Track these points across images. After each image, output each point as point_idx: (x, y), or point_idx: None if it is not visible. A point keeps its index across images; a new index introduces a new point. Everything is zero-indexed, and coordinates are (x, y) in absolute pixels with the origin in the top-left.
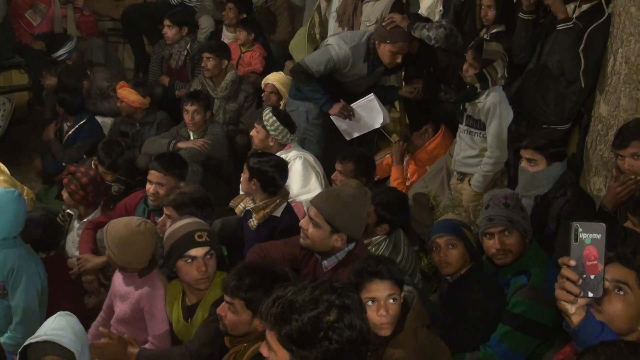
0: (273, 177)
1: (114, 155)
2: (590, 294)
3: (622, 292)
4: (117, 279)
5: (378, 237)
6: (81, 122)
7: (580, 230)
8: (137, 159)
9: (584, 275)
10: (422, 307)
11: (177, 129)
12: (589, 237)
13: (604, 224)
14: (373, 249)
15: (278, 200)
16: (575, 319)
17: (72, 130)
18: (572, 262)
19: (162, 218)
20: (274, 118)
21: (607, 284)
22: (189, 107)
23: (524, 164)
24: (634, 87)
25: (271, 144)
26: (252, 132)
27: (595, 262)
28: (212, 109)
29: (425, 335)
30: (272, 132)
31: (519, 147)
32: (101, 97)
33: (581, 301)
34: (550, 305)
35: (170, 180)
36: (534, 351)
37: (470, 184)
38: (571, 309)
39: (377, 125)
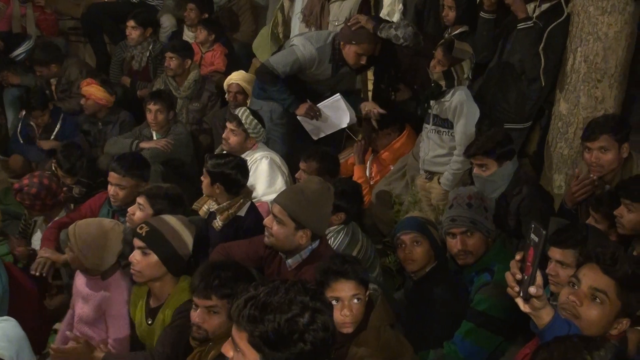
0: (236, 179)
1: (72, 159)
2: (521, 294)
3: (598, 301)
4: (79, 279)
5: (335, 227)
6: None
7: (532, 229)
8: (99, 160)
9: (523, 274)
10: (386, 305)
11: (140, 128)
12: (533, 238)
13: (544, 231)
14: (331, 239)
15: (242, 200)
16: (542, 320)
17: (57, 128)
18: (518, 257)
19: (133, 207)
20: (252, 118)
21: (585, 289)
22: (152, 107)
23: (476, 170)
24: (593, 86)
25: (249, 145)
26: (227, 134)
27: (529, 264)
28: (175, 108)
29: (388, 334)
30: (252, 134)
31: (466, 156)
32: (64, 94)
33: (537, 302)
34: (514, 302)
35: (130, 181)
36: (497, 347)
37: (439, 183)
38: (522, 305)
39: (344, 125)
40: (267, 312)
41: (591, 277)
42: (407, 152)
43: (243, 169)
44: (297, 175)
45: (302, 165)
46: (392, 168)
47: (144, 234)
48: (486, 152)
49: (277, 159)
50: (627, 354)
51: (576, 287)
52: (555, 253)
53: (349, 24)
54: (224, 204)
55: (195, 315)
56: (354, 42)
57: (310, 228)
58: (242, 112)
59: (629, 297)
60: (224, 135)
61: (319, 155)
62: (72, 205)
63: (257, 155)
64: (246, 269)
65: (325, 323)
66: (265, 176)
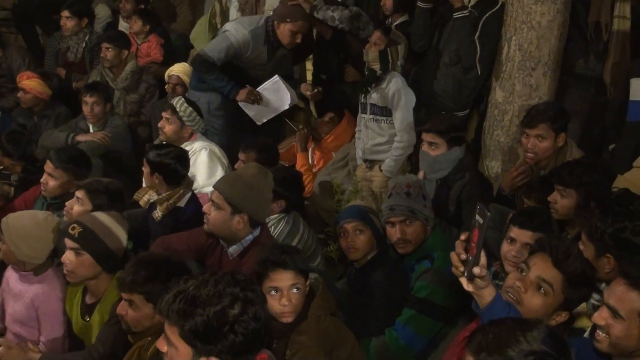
0: (175, 169)
1: (22, 145)
2: (465, 273)
3: (542, 291)
4: (11, 276)
5: (276, 215)
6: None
7: (477, 211)
8: (34, 153)
9: (468, 254)
10: (327, 294)
11: (76, 121)
12: (478, 219)
13: (490, 213)
14: (272, 227)
15: (182, 191)
16: (484, 300)
17: None
18: (462, 237)
19: (71, 201)
20: (187, 106)
21: (532, 277)
22: (88, 99)
23: (424, 147)
24: (528, 74)
25: (185, 134)
26: (162, 123)
27: (474, 245)
28: (112, 100)
29: (329, 322)
30: (188, 122)
31: (420, 130)
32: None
33: (480, 282)
34: (453, 289)
35: (62, 174)
36: (438, 332)
37: (381, 170)
38: (466, 284)
39: (286, 106)
40: (196, 306)
41: (541, 267)
42: (347, 139)
43: (183, 160)
44: (236, 165)
45: (240, 155)
46: (334, 155)
47: (76, 235)
48: (439, 131)
49: (217, 150)
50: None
51: (524, 273)
52: (523, 235)
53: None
54: (164, 194)
55: (119, 307)
56: (288, 20)
57: (247, 213)
58: (177, 101)
59: (573, 293)
60: (159, 125)
61: (258, 146)
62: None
63: (196, 146)
64: (173, 261)
65: (256, 313)
66: (204, 167)
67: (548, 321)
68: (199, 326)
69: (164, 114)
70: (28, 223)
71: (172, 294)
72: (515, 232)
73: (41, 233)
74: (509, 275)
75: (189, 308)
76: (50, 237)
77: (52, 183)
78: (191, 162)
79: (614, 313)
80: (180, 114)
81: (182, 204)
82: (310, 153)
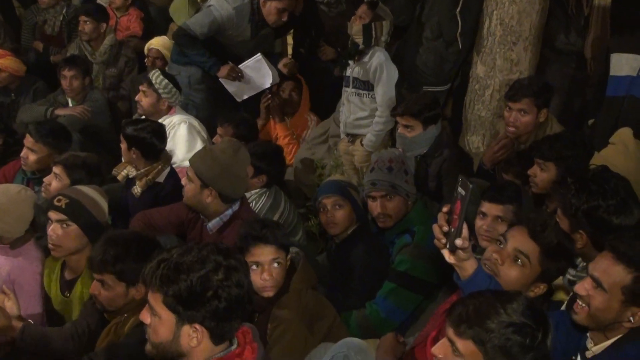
0: (151, 143)
1: (1, 119)
2: (448, 245)
3: (520, 263)
4: None
5: (257, 190)
6: None
7: (459, 183)
8: (13, 127)
9: (450, 226)
10: (308, 268)
11: (55, 95)
12: (460, 192)
13: (472, 185)
14: (252, 202)
15: (160, 166)
16: (466, 272)
17: None
18: (445, 209)
19: (48, 177)
20: (163, 78)
21: (509, 249)
22: (67, 73)
23: (401, 130)
24: (508, 48)
25: (162, 107)
26: (139, 97)
27: (456, 217)
28: (90, 74)
29: (310, 296)
30: (164, 95)
31: (394, 115)
32: None
33: (462, 254)
34: (434, 262)
35: (42, 149)
36: (418, 305)
37: (362, 144)
38: (448, 256)
39: (267, 85)
40: (180, 272)
41: (518, 239)
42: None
43: (160, 134)
44: (214, 140)
45: (219, 130)
46: (310, 126)
47: (63, 206)
48: (413, 113)
49: (196, 123)
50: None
51: (502, 245)
52: (493, 209)
53: None
54: (142, 170)
55: (92, 287)
56: None
57: (215, 188)
58: (153, 73)
59: (550, 265)
60: (136, 98)
61: (235, 121)
62: None
63: (175, 119)
64: (144, 237)
65: (239, 280)
66: (184, 141)
67: (527, 293)
68: (183, 291)
69: (140, 87)
70: (0, 197)
71: (156, 261)
72: (485, 206)
73: (15, 207)
74: (488, 248)
75: (172, 274)
76: (25, 211)
77: (32, 157)
78: (170, 135)
79: (597, 284)
80: (157, 86)
81: (161, 179)
82: (287, 122)
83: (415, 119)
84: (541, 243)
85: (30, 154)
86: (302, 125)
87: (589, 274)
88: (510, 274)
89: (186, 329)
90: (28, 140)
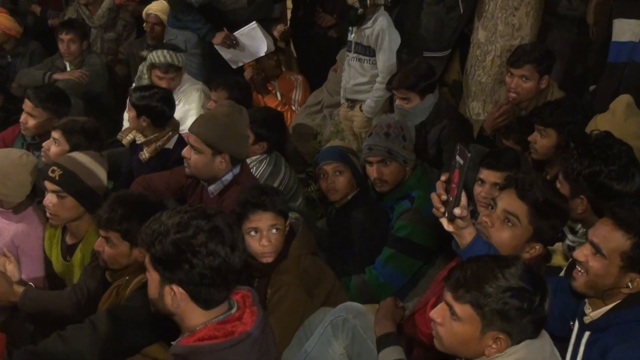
0: (162, 110)
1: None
2: (446, 214)
3: (510, 224)
4: None
5: (257, 156)
6: None
7: (457, 152)
8: (11, 92)
9: (449, 195)
10: (307, 234)
11: (52, 59)
12: (458, 160)
13: (470, 153)
14: (253, 168)
15: (170, 133)
16: (464, 240)
17: None
18: (443, 177)
19: (47, 141)
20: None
21: (499, 212)
22: (64, 36)
23: (398, 102)
24: (510, 13)
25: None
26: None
27: (454, 185)
28: (88, 38)
29: (309, 261)
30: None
31: (389, 89)
32: None
33: (461, 222)
34: (433, 228)
35: (42, 113)
36: (417, 271)
37: (361, 110)
38: (446, 225)
39: (262, 53)
40: (160, 233)
41: (506, 200)
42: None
43: (168, 101)
44: (208, 105)
45: (213, 94)
46: (297, 86)
47: (57, 178)
48: (409, 86)
49: (206, 88)
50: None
51: (492, 209)
52: (491, 175)
53: None
54: (152, 136)
55: (97, 243)
56: None
57: (227, 152)
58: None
59: (541, 224)
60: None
61: (229, 84)
62: None
63: (187, 86)
64: (151, 200)
65: (215, 249)
66: (196, 108)
67: (522, 254)
68: (160, 253)
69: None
70: (2, 162)
71: (148, 222)
72: (484, 173)
73: (16, 171)
74: (480, 213)
75: (154, 235)
76: (26, 175)
77: (31, 122)
78: (182, 102)
79: (596, 250)
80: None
81: (170, 145)
82: (276, 89)
83: (411, 91)
84: (529, 202)
85: (29, 119)
86: (289, 87)
87: (588, 239)
88: (501, 236)
89: (167, 289)
90: (27, 105)
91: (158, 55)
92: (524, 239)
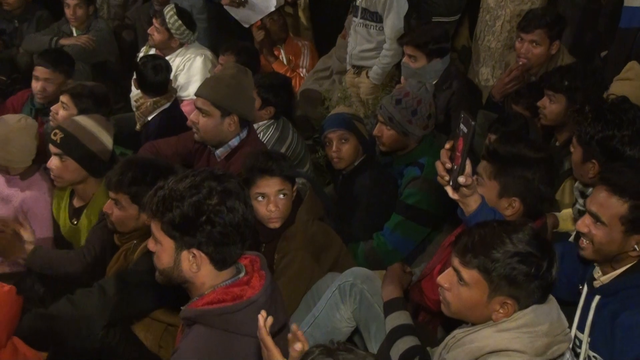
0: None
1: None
2: (451, 182)
3: (479, 183)
4: None
5: (265, 122)
6: None
7: (461, 120)
8: (17, 57)
9: (453, 163)
10: (314, 199)
11: (59, 25)
12: (462, 129)
13: (474, 122)
14: (260, 134)
15: (170, 96)
16: (469, 208)
17: None
18: (447, 146)
19: (55, 106)
20: (177, 19)
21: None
22: (70, 1)
23: (405, 59)
24: None
25: (174, 45)
26: (152, 30)
27: (459, 154)
28: (95, 3)
29: (316, 227)
30: (176, 35)
31: (400, 42)
32: None
33: (466, 190)
34: (442, 196)
35: (59, 76)
36: (426, 237)
37: (368, 77)
38: (451, 193)
39: (272, 9)
40: (173, 199)
41: (481, 163)
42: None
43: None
44: (215, 69)
45: (221, 59)
46: (303, 52)
47: (58, 141)
48: (418, 44)
49: (210, 55)
50: (546, 237)
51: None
52: None
53: None
54: (150, 100)
55: (106, 205)
56: None
57: (236, 113)
58: (167, 11)
59: (506, 178)
60: (149, 30)
61: (237, 49)
62: None
63: (190, 52)
64: (161, 164)
65: (233, 205)
66: (199, 74)
67: (503, 212)
68: (177, 218)
69: (154, 21)
70: (1, 128)
71: (154, 189)
72: (491, 138)
73: (16, 136)
74: None
75: (167, 201)
76: (28, 139)
77: (50, 88)
78: (185, 69)
79: (596, 219)
80: (169, 25)
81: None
82: (282, 56)
83: (420, 51)
84: (488, 158)
85: (47, 85)
86: (296, 52)
87: (587, 209)
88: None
89: (185, 254)
90: (42, 72)
91: (172, 15)
92: (493, 195)
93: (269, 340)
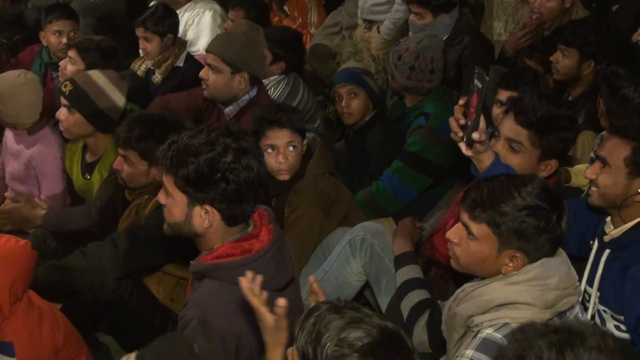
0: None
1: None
2: (465, 139)
3: (516, 149)
4: (8, 135)
5: (275, 77)
6: None
7: (475, 75)
8: (25, 13)
9: (467, 119)
10: (325, 153)
11: None
12: (477, 84)
13: (488, 77)
14: (271, 89)
15: (177, 50)
16: (483, 164)
17: None
18: (461, 101)
19: (64, 61)
20: None
21: (502, 140)
22: None
23: (412, 17)
24: None
25: None
26: None
27: (473, 110)
28: None
29: (326, 181)
30: None
31: (405, 0)
32: None
33: (479, 146)
34: (446, 147)
35: (75, 27)
36: (435, 192)
37: (379, 32)
38: (465, 149)
39: None
40: (188, 154)
41: (507, 127)
42: None
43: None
44: (225, 25)
45: (230, 14)
46: (310, 8)
47: (67, 93)
48: (422, 2)
49: (219, 8)
50: (559, 192)
51: (498, 137)
52: (509, 95)
53: None
54: (159, 56)
55: (116, 162)
56: None
57: (247, 70)
58: None
59: (547, 141)
60: None
61: (247, 4)
62: None
63: (199, 7)
64: (170, 119)
65: (248, 163)
66: (208, 28)
67: (540, 174)
68: (191, 173)
69: None
70: (2, 84)
71: (168, 143)
72: (502, 93)
73: (18, 91)
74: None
75: (182, 156)
76: (30, 93)
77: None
78: (194, 23)
79: (604, 162)
80: None
81: (180, 63)
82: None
83: (424, 7)
84: (527, 125)
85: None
86: (303, 9)
87: (597, 155)
88: (512, 163)
89: (197, 209)
90: (65, 24)
91: None
92: (533, 161)
93: (255, 301)
